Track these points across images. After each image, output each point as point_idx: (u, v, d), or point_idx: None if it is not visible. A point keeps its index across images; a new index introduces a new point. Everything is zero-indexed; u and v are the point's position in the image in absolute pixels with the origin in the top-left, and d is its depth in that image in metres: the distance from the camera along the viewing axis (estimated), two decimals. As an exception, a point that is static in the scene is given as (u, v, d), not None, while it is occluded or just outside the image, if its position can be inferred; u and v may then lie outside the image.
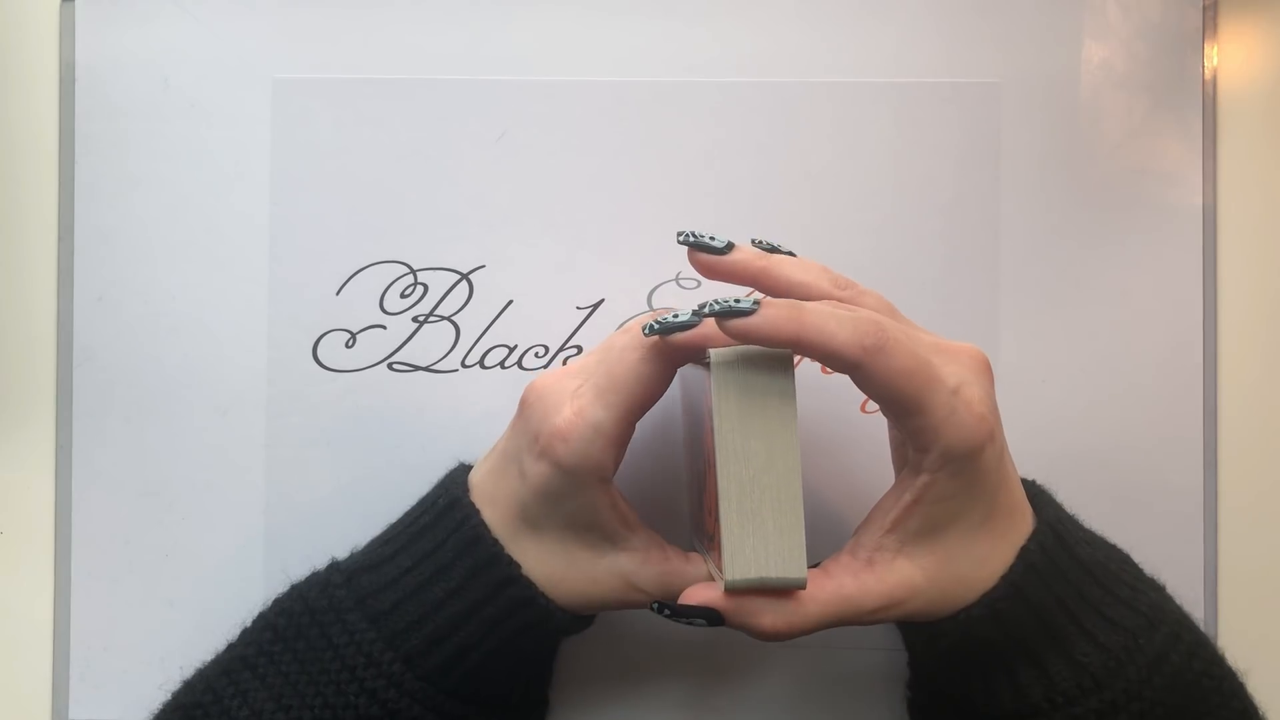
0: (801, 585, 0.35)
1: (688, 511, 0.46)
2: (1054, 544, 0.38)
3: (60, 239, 0.48)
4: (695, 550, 0.42)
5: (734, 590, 0.35)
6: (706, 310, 0.34)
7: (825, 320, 0.34)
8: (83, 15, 0.48)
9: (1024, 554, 0.38)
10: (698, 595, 0.36)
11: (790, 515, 0.34)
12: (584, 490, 0.38)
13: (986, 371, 0.37)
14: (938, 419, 0.35)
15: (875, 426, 0.46)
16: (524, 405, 0.39)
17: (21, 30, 0.48)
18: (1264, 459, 0.47)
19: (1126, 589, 0.39)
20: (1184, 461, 0.46)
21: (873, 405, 0.46)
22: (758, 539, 0.34)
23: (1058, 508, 0.40)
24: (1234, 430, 0.47)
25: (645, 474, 0.46)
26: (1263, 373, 0.47)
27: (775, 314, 0.34)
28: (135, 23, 0.48)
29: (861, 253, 0.47)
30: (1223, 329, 0.47)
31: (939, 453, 0.35)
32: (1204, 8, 0.47)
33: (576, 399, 0.38)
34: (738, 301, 0.34)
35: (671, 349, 0.37)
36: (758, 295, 0.34)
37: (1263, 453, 0.47)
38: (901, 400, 0.34)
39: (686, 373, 0.42)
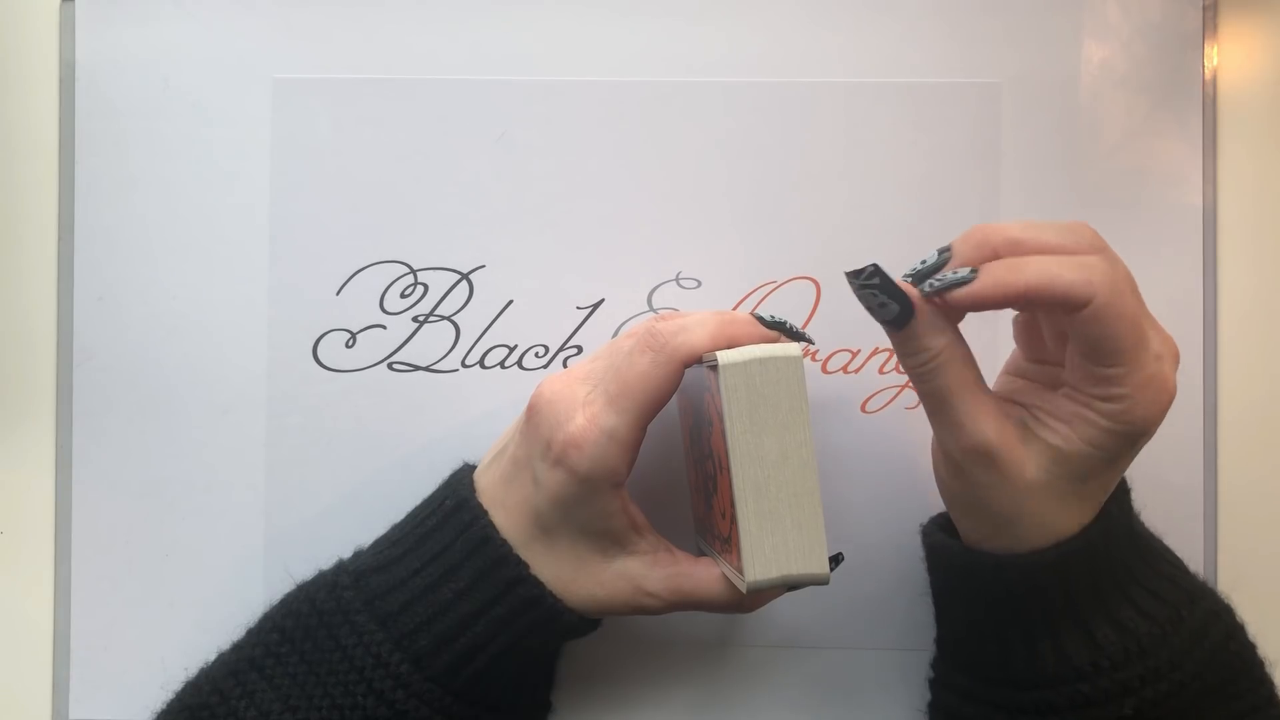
0: (824, 580, 0.35)
1: (692, 514, 0.46)
2: (1121, 511, 0.39)
3: (60, 239, 0.48)
4: (702, 552, 0.42)
5: (755, 591, 0.35)
6: (927, 289, 0.34)
7: (1047, 264, 0.34)
8: (83, 15, 0.48)
9: (1104, 514, 0.38)
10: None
11: (808, 510, 0.34)
12: (598, 496, 0.38)
13: (1177, 361, 0.37)
14: (1137, 381, 0.34)
15: (875, 426, 0.46)
16: (533, 411, 0.39)
17: (21, 30, 0.48)
18: (1264, 459, 0.47)
19: (1169, 566, 0.40)
20: (1184, 461, 0.46)
21: (873, 405, 0.46)
22: (777, 537, 0.34)
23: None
24: (1234, 430, 0.47)
25: (647, 478, 0.46)
26: (1263, 372, 0.47)
27: (999, 272, 0.34)
28: (135, 23, 0.48)
29: (862, 252, 0.47)
30: (1223, 329, 0.47)
31: (1122, 412, 0.35)
32: (1204, 8, 0.47)
33: (588, 406, 0.38)
34: (955, 273, 0.34)
35: (686, 353, 0.37)
36: (967, 267, 0.34)
37: (1263, 453, 0.47)
38: (1112, 351, 0.34)
39: (685, 375, 0.42)
